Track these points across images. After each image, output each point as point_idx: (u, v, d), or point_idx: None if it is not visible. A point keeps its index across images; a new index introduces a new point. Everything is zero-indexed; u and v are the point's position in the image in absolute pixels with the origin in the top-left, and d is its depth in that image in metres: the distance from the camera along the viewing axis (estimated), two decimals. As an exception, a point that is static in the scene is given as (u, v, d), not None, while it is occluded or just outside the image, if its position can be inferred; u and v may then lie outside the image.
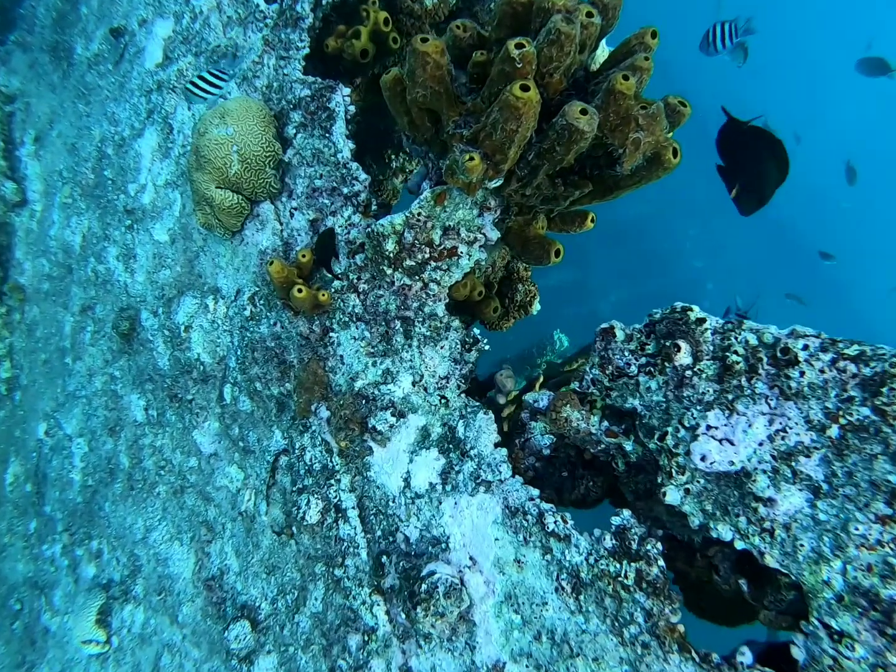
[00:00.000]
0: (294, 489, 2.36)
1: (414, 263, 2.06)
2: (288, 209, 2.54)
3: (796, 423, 1.49)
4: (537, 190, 1.90)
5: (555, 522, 1.78)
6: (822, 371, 1.47)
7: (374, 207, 2.30)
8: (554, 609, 1.75)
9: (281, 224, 2.56)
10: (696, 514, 1.58)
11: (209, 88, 2.43)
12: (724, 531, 1.56)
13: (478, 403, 2.08)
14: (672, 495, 1.59)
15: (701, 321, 1.64)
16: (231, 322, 2.70)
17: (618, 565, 1.64)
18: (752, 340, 1.57)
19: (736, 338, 1.59)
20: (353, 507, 2.20)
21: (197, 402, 2.85)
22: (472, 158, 1.64)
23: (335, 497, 2.24)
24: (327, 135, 2.41)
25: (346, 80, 2.75)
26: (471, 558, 1.92)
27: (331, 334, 2.33)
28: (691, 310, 1.66)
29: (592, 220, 2.23)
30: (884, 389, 1.38)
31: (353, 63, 2.69)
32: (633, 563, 1.63)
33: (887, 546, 1.36)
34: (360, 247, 2.25)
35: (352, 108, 2.41)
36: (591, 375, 1.83)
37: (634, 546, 1.63)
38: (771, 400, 1.52)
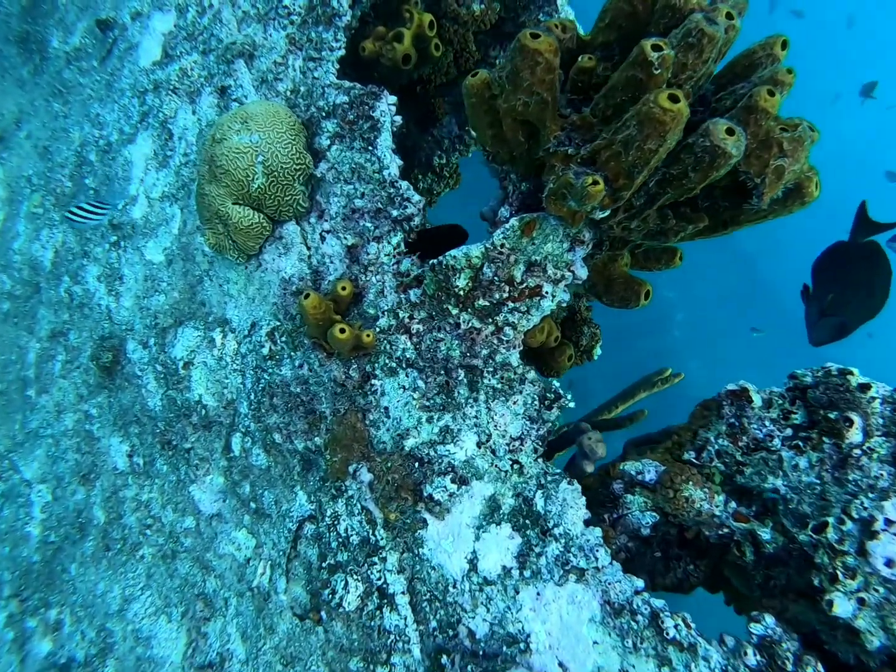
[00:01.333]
0: (324, 565, 1.98)
1: (488, 303, 1.73)
2: (318, 232, 2.18)
3: None
4: (643, 223, 1.61)
5: (675, 627, 1.45)
6: None
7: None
8: (677, 738, 1.42)
9: (309, 249, 2.19)
10: (875, 634, 1.28)
11: (89, 215, 2.49)
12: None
13: (559, 471, 1.76)
14: (841, 606, 1.29)
15: (865, 388, 1.36)
16: (243, 361, 2.31)
17: (766, 689, 1.33)
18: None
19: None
20: (403, 592, 1.83)
21: (196, 451, 2.43)
22: (595, 183, 1.33)
23: (379, 578, 1.86)
24: (370, 148, 2.07)
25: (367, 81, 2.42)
26: (560, 665, 1.57)
27: (372, 381, 1.98)
28: (851, 373, 1.38)
29: (680, 258, 1.96)
30: None
31: (393, 69, 2.37)
32: (785, 687, 1.31)
33: None
34: (416, 281, 1.92)
35: (398, 119, 2.09)
36: (715, 446, 1.53)
37: (790, 667, 1.32)
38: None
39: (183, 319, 2.55)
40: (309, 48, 2.32)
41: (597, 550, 1.61)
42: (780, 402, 1.45)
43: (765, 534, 1.45)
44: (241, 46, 2.50)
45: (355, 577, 1.87)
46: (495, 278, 1.67)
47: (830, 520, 1.33)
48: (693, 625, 1.47)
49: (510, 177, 1.72)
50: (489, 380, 1.81)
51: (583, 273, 1.71)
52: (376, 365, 1.97)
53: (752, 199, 1.47)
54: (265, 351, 2.23)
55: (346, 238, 2.09)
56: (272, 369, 2.20)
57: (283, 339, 2.19)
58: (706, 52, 1.35)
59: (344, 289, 1.97)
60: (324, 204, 2.18)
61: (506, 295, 1.70)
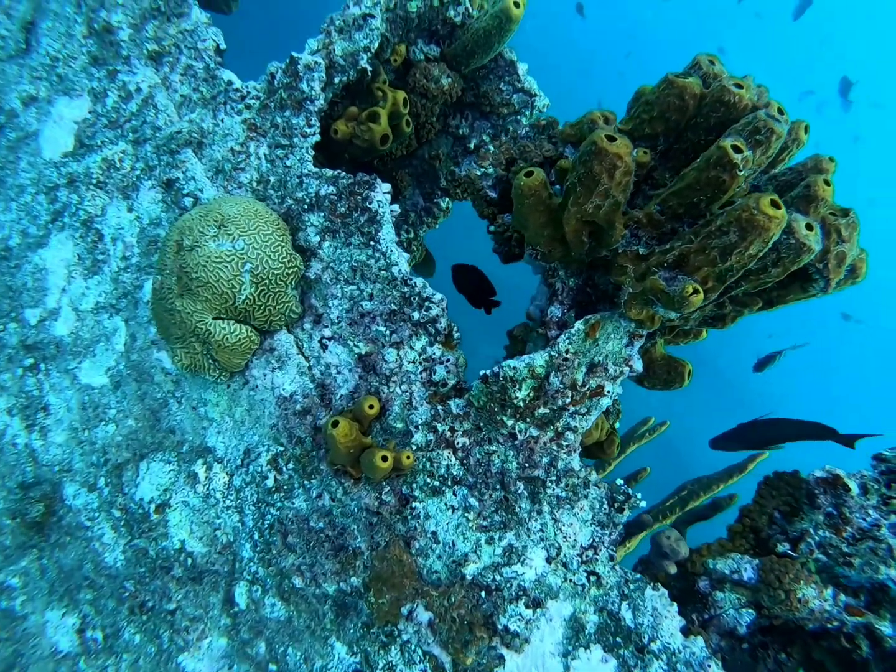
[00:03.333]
0: (384, 730, 1.70)
1: (548, 411, 1.59)
2: (316, 339, 1.94)
3: None
4: (701, 311, 1.57)
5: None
6: None
7: (456, 335, 1.81)
8: None
9: (308, 359, 1.94)
10: None
11: None
12: None
13: (639, 577, 1.64)
14: None
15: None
16: (239, 495, 1.98)
17: None
18: None
19: None
20: (493, 749, 1.61)
21: (185, 611, 2.04)
22: (696, 292, 1.26)
23: (460, 736, 1.63)
24: (372, 243, 1.88)
25: (349, 168, 2.24)
26: None
27: (413, 504, 1.76)
28: None
29: (706, 331, 1.95)
30: None
31: (367, 150, 2.21)
32: None
33: None
34: (456, 390, 1.74)
35: (396, 209, 1.92)
36: (816, 538, 1.49)
37: None
38: None
39: (146, 452, 2.16)
40: (275, 134, 2.09)
41: (707, 665, 1.50)
42: (876, 486, 1.45)
43: (885, 628, 1.42)
44: (187, 134, 2.21)
45: (435, 741, 1.62)
46: (560, 386, 1.54)
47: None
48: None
49: (559, 274, 1.62)
50: (552, 489, 1.66)
51: (639, 366, 1.63)
52: (414, 485, 1.76)
53: (812, 283, 1.47)
54: (269, 482, 1.92)
55: (356, 346, 1.87)
56: (281, 503, 1.90)
57: (291, 466, 1.91)
58: (772, 149, 1.34)
59: (371, 407, 1.75)
60: (320, 307, 1.95)
61: (568, 400, 1.58)
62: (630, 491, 1.68)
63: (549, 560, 1.67)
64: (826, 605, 1.46)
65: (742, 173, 1.27)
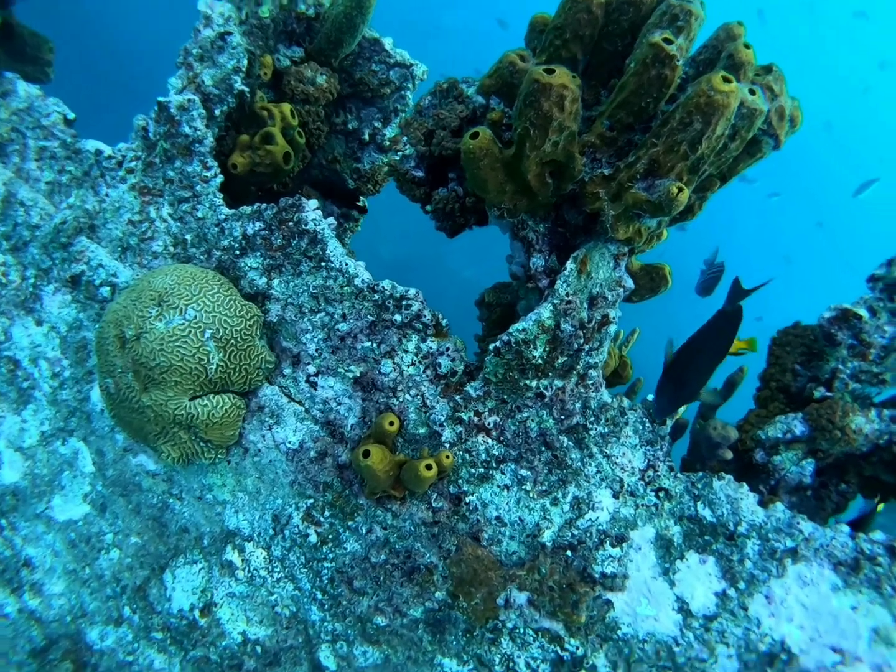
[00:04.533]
0: (524, 719, 1.68)
1: (567, 358, 1.58)
2: (303, 380, 1.83)
3: None
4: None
5: (916, 548, 1.48)
6: None
7: (444, 322, 1.75)
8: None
9: (302, 404, 1.83)
10: None
11: None
12: None
13: (702, 474, 1.68)
14: None
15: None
16: (285, 564, 1.86)
17: None
18: None
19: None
20: (632, 688, 1.63)
21: (274, 698, 1.92)
22: (681, 189, 1.27)
23: (598, 692, 1.64)
24: (323, 263, 1.78)
25: (259, 201, 2.09)
26: (834, 650, 1.52)
27: (467, 500, 1.72)
28: None
29: (667, 231, 1.99)
30: None
31: (273, 174, 2.07)
32: None
33: None
34: (467, 375, 1.70)
35: (333, 221, 1.82)
36: (847, 371, 1.57)
37: None
38: None
39: (164, 563, 1.99)
40: (173, 190, 1.92)
41: (796, 523, 1.57)
42: (881, 304, 1.54)
43: None
44: (73, 222, 1.99)
45: (579, 707, 1.62)
46: (572, 329, 1.53)
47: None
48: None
49: (528, 225, 1.59)
50: (595, 429, 1.67)
51: (631, 283, 1.64)
52: (460, 481, 1.72)
53: (761, 145, 1.52)
54: (312, 538, 1.82)
55: (348, 371, 1.78)
56: (332, 553, 1.81)
57: (328, 514, 1.81)
58: (693, 31, 1.36)
59: (392, 424, 1.67)
60: (294, 347, 1.83)
61: (581, 341, 1.57)
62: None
63: (616, 495, 1.68)
64: (875, 426, 1.56)
65: (680, 63, 1.28)
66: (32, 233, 2.06)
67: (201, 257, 1.91)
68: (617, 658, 1.65)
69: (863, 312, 1.58)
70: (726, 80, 1.21)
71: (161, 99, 1.89)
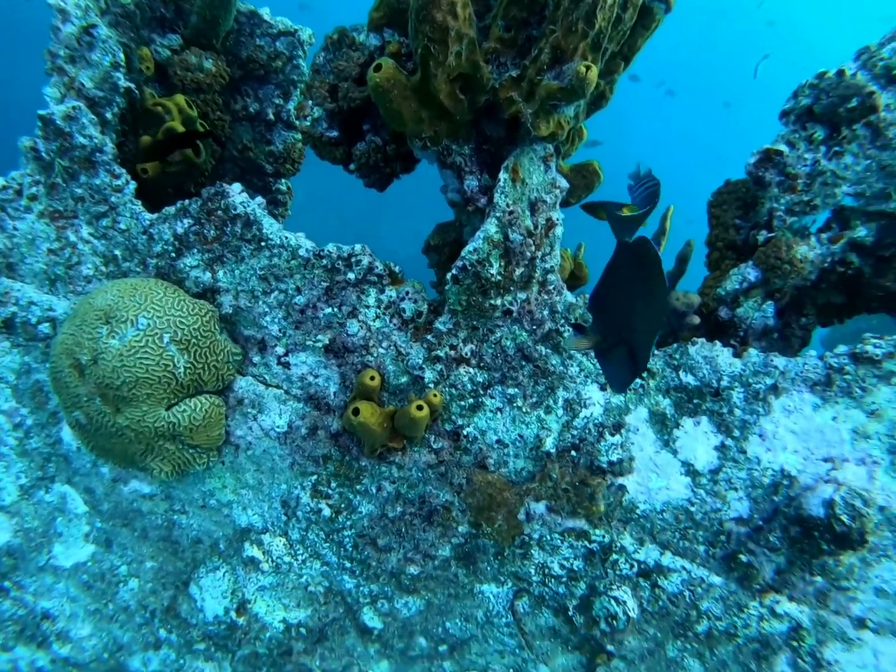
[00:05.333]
0: (580, 622, 1.76)
1: (524, 269, 1.61)
2: (274, 363, 1.81)
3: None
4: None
5: (875, 346, 1.59)
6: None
7: (398, 269, 1.75)
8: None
9: (279, 387, 1.82)
10: None
11: None
12: None
13: (676, 345, 1.76)
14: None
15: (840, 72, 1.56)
16: (306, 544, 1.87)
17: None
18: None
19: None
20: (662, 554, 1.72)
21: (331, 668, 1.95)
22: (587, 67, 1.28)
23: (632, 567, 1.72)
24: (262, 243, 1.74)
25: (173, 199, 2.01)
26: (826, 460, 1.63)
27: (465, 432, 1.75)
28: (843, 70, 1.58)
29: (586, 129, 2.02)
30: None
31: (187, 171, 2.01)
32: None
33: None
34: (433, 312, 1.71)
35: (261, 199, 1.78)
36: (782, 206, 1.65)
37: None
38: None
39: (186, 577, 1.97)
40: (87, 207, 1.84)
41: (770, 361, 1.66)
42: (797, 136, 1.61)
43: (861, 231, 1.63)
44: (-9, 268, 1.89)
45: (618, 587, 1.70)
46: (521, 237, 1.55)
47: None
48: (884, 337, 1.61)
49: (452, 149, 1.58)
50: (568, 331, 1.71)
51: (565, 183, 1.67)
52: (453, 416, 1.75)
53: (653, 13, 1.55)
54: (326, 512, 1.83)
55: (316, 342, 1.76)
56: (349, 520, 1.83)
57: (335, 485, 1.82)
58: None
59: (373, 378, 1.68)
60: (257, 333, 1.81)
61: (533, 248, 1.60)
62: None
63: (603, 388, 1.74)
64: (818, 251, 1.65)
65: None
66: (-49, 290, 1.95)
67: (137, 269, 1.85)
68: (642, 534, 1.74)
69: (783, 147, 1.66)
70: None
71: (42, 112, 1.78)
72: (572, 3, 1.25)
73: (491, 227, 1.52)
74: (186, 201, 1.79)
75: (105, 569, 2.03)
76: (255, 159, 2.49)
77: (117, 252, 1.85)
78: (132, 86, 1.86)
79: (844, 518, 1.53)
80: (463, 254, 1.55)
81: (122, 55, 1.80)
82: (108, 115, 1.83)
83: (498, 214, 1.52)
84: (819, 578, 1.66)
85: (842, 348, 1.65)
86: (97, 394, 1.67)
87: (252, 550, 1.91)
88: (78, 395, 1.70)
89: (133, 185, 1.83)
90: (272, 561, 1.90)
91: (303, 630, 1.94)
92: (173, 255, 1.81)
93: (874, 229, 1.70)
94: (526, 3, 1.35)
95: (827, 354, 1.64)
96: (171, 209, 1.80)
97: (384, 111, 1.44)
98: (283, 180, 2.59)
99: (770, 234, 1.72)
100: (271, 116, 2.43)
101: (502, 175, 1.51)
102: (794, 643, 1.68)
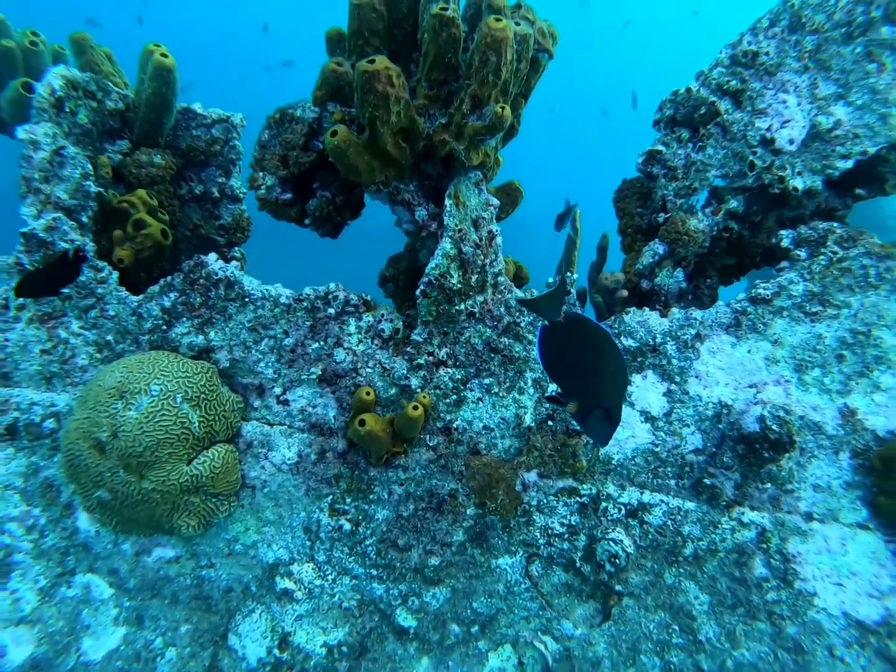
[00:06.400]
0: (603, 573, 2.01)
1: (477, 275, 1.92)
2: (273, 403, 2.01)
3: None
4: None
5: (764, 288, 1.99)
6: None
7: (369, 297, 2.02)
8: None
9: (283, 423, 2.01)
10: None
11: None
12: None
13: (613, 317, 2.10)
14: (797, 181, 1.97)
15: (688, 89, 2.01)
16: (333, 563, 2.03)
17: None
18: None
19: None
20: (641, 492, 2.01)
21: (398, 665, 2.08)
22: (503, 107, 1.64)
23: (619, 510, 2.00)
24: (246, 300, 1.97)
25: (146, 282, 2.21)
26: (750, 386, 1.99)
27: (454, 425, 2.01)
28: (690, 88, 2.03)
29: (500, 157, 2.39)
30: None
31: (157, 254, 2.22)
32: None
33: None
34: (407, 327, 1.98)
35: (236, 253, 2.02)
36: (670, 193, 2.06)
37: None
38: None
39: (223, 629, 2.07)
40: (74, 304, 2.01)
41: (690, 314, 2.03)
42: (669, 137, 2.04)
43: (732, 203, 2.07)
44: (-12, 375, 2.00)
45: (613, 530, 1.97)
46: (472, 249, 1.87)
47: (756, 125, 1.99)
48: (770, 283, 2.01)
49: (400, 189, 1.90)
50: (523, 321, 2.02)
51: (496, 201, 2.01)
52: (442, 413, 2.00)
53: (540, 62, 1.95)
54: (347, 527, 2.01)
55: (310, 375, 1.99)
56: (369, 529, 2.01)
57: (350, 500, 2.01)
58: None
59: (368, 393, 1.92)
60: (255, 380, 2.01)
61: (482, 256, 1.92)
62: (564, 277, 2.10)
63: (560, 365, 2.04)
64: (706, 222, 2.07)
65: (458, 21, 1.65)
66: (-53, 406, 2.03)
67: (131, 349, 2.02)
68: (622, 480, 2.02)
69: (661, 147, 2.08)
70: (498, 20, 1.60)
71: (24, 230, 1.97)
72: (481, 63, 1.62)
73: (446, 244, 1.83)
74: (168, 277, 2.00)
75: (139, 647, 2.09)
76: (207, 234, 2.72)
77: (109, 337, 2.02)
78: (101, 190, 2.07)
79: (774, 427, 1.88)
80: (427, 271, 1.84)
81: (90, 166, 2.03)
82: (84, 219, 2.03)
83: (450, 234, 1.83)
84: (769, 485, 1.99)
85: (741, 295, 2.05)
86: (121, 465, 1.81)
87: (284, 583, 2.04)
88: (100, 473, 1.83)
89: (116, 275, 2.03)
90: (304, 588, 2.04)
91: (344, 649, 2.07)
92: (164, 327, 2.00)
93: (742, 201, 2.15)
94: (443, 67, 1.71)
95: (731, 301, 2.03)
96: (154, 287, 2.01)
97: (343, 166, 1.74)
98: (235, 248, 2.82)
99: (667, 215, 2.13)
100: (217, 194, 2.67)
101: (447, 201, 1.83)
102: (763, 545, 1.99)
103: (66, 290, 2.01)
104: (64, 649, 2.09)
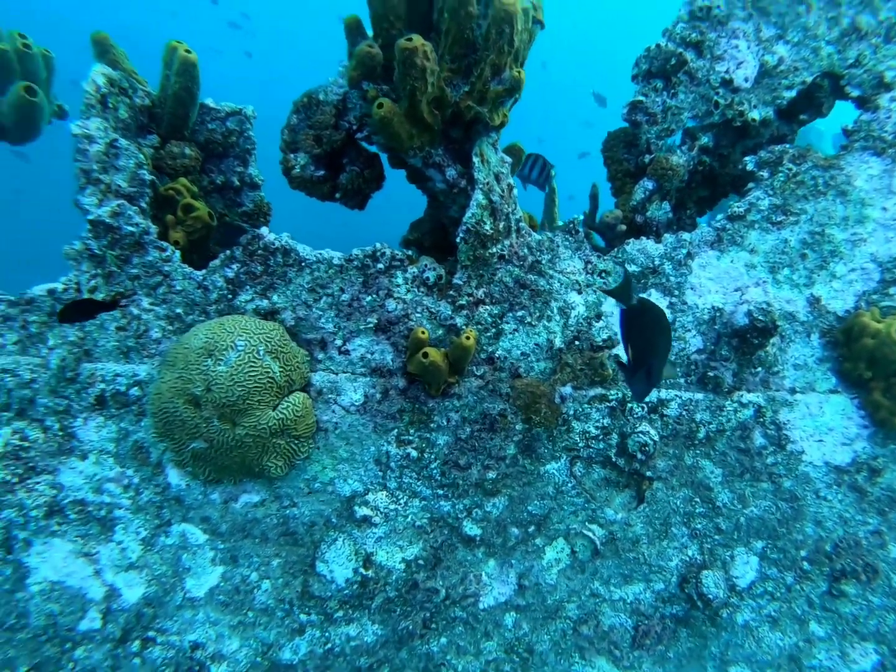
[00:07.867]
0: (636, 461, 2.36)
1: (504, 221, 2.23)
2: (336, 354, 2.27)
3: None
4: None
5: (738, 207, 2.38)
6: None
7: (411, 252, 2.30)
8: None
9: (346, 371, 2.28)
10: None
11: None
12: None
13: (616, 249, 2.44)
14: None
15: (658, 45, 2.36)
16: (403, 488, 2.32)
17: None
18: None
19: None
20: (658, 391, 2.37)
21: (451, 582, 2.38)
22: (519, 71, 1.95)
23: (643, 408, 2.36)
24: (303, 264, 2.22)
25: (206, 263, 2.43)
26: (736, 290, 2.38)
27: (496, 355, 2.32)
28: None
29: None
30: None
31: (206, 235, 2.43)
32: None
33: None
34: (449, 274, 2.27)
35: (286, 233, 2.26)
36: (652, 136, 2.42)
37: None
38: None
39: (311, 559, 2.33)
40: (143, 284, 2.21)
41: (680, 236, 2.39)
42: (647, 87, 2.40)
43: (703, 139, 2.45)
44: (69, 356, 2.19)
45: (640, 425, 2.32)
46: (499, 199, 2.17)
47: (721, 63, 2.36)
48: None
49: (432, 153, 2.17)
50: (543, 258, 2.34)
51: (508, 158, 2.32)
52: (485, 346, 2.30)
53: (534, 30, 2.25)
54: (414, 454, 2.30)
55: (367, 325, 2.25)
56: (433, 454, 2.31)
57: (413, 431, 2.30)
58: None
59: (423, 332, 2.20)
60: (317, 335, 2.26)
61: (507, 206, 2.22)
62: (573, 219, 2.43)
63: (579, 291, 2.38)
64: (684, 158, 2.45)
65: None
66: (31, 388, 2.20)
67: (200, 318, 2.24)
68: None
69: (641, 98, 2.44)
70: (508, -4, 1.89)
71: (90, 217, 2.15)
72: (497, 35, 1.91)
73: (479, 195, 2.13)
74: (228, 251, 2.22)
75: (237, 582, 2.33)
76: (232, 222, 2.92)
77: (179, 310, 2.23)
78: (154, 178, 2.27)
79: (760, 317, 2.27)
80: (464, 220, 2.14)
81: (142, 156, 2.22)
82: (143, 204, 2.23)
83: (480, 186, 2.13)
84: (760, 369, 2.39)
85: (719, 216, 2.43)
86: (216, 415, 2.04)
87: (362, 510, 2.32)
88: (196, 425, 2.06)
89: (178, 253, 2.24)
90: (380, 513, 2.32)
91: (420, 561, 2.37)
92: (229, 296, 2.23)
93: (711, 136, 2.53)
94: (463, 42, 1.99)
95: (711, 221, 2.41)
96: (215, 262, 2.23)
97: (386, 135, 2.01)
98: (264, 228, 3.03)
99: (651, 156, 2.49)
100: (237, 183, 2.88)
101: (475, 159, 2.13)
102: (760, 419, 2.39)
103: (134, 271, 2.20)
104: (171, 588, 2.31)
